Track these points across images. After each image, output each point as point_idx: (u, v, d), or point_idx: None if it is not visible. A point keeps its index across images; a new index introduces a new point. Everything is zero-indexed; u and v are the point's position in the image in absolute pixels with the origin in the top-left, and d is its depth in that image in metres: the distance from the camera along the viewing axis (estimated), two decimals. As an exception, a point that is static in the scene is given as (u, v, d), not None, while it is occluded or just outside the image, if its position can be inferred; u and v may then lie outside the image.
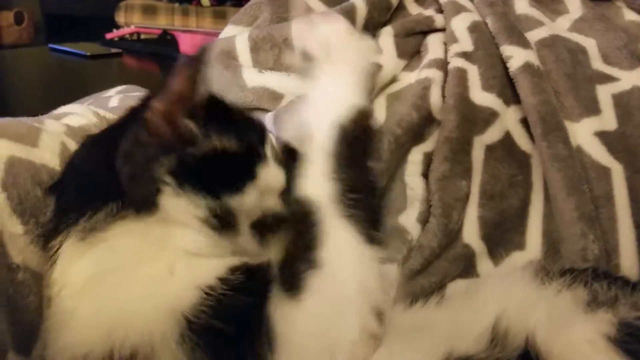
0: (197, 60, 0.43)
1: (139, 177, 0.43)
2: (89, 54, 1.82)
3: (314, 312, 0.40)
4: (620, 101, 0.62)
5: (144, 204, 0.43)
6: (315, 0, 0.76)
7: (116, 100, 0.75)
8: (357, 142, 0.46)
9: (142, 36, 2.16)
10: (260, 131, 0.51)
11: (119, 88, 0.86)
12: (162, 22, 2.72)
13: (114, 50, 1.90)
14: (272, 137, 0.54)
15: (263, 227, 0.48)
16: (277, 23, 0.76)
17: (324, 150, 0.45)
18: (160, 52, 1.88)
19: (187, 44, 1.81)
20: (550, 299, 0.46)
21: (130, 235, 0.42)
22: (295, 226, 0.44)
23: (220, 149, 0.45)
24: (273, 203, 0.48)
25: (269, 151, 0.50)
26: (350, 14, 0.70)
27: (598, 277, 0.47)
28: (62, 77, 1.75)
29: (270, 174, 0.48)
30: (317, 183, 0.45)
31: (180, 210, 0.43)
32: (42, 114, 0.63)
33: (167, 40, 1.94)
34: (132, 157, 0.43)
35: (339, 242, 0.42)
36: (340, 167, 0.45)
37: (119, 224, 0.42)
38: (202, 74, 0.43)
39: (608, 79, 0.64)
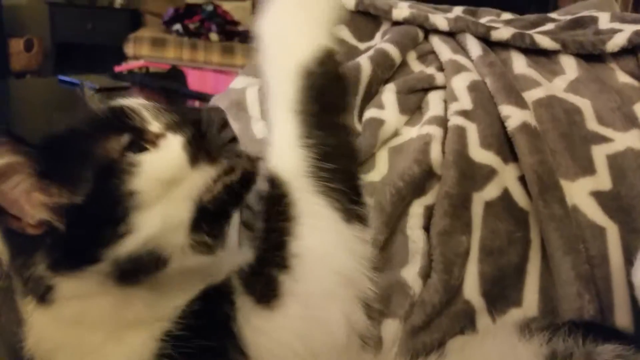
0: None
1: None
2: (97, 87, 1.86)
3: (291, 318, 0.38)
4: (615, 162, 0.65)
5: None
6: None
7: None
8: (326, 92, 0.40)
9: (151, 70, 2.21)
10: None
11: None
12: (170, 55, 2.79)
13: (122, 84, 1.95)
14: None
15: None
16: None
17: (287, 107, 0.39)
18: (168, 86, 1.92)
19: (194, 80, 1.86)
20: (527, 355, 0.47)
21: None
22: (266, 214, 0.40)
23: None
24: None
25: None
26: (356, 72, 0.73)
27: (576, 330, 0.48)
28: (70, 109, 1.78)
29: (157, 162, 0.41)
30: (284, 153, 0.40)
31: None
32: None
33: (176, 75, 1.99)
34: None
35: (315, 228, 0.39)
36: (309, 129, 0.39)
37: None
38: None
39: (603, 139, 0.67)
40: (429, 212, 0.67)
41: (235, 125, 0.76)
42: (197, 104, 1.75)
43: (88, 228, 0.39)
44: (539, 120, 0.68)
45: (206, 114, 0.45)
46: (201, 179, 0.42)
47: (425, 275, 0.62)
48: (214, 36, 2.91)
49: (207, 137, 0.43)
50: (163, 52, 2.86)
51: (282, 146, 0.39)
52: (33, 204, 0.39)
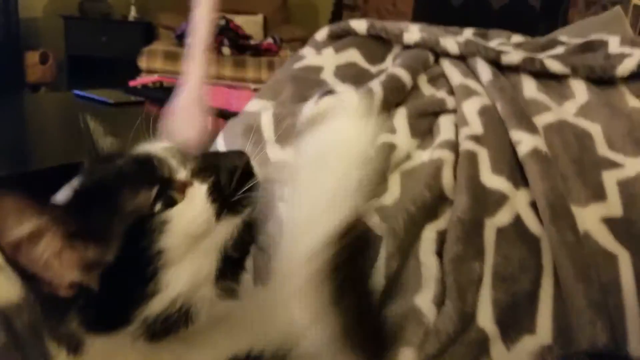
0: None
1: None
2: (112, 101, 1.89)
3: None
4: (625, 188, 0.65)
5: None
6: (339, 83, 0.81)
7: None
8: (350, 259, 0.39)
9: (165, 84, 2.23)
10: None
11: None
12: (182, 68, 2.82)
13: (137, 99, 1.97)
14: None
15: None
16: (299, 100, 0.81)
17: (311, 284, 0.38)
18: (181, 102, 1.95)
19: (208, 95, 1.88)
20: None
21: None
22: None
23: None
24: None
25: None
26: (368, 97, 0.75)
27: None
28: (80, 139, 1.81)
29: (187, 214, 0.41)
30: (316, 319, 0.39)
31: None
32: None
33: (189, 91, 2.01)
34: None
35: None
36: (341, 291, 0.38)
37: None
38: None
39: (613, 165, 0.67)
40: (442, 237, 0.67)
41: (250, 148, 0.78)
42: (209, 118, 1.76)
43: (119, 288, 0.39)
44: (549, 145, 0.68)
45: (230, 160, 0.45)
46: (226, 230, 0.43)
47: (439, 302, 0.62)
48: (226, 50, 2.94)
49: (230, 184, 0.44)
50: (176, 66, 2.89)
51: (314, 313, 0.39)
52: (64, 265, 0.38)
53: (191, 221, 0.41)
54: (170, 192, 0.41)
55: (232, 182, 0.44)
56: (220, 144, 0.83)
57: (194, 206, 0.42)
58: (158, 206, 0.40)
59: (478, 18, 3.29)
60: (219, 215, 0.42)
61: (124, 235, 0.39)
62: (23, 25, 3.69)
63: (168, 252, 0.39)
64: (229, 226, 0.43)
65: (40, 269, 0.38)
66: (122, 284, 0.39)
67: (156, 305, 0.39)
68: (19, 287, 0.44)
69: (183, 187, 0.42)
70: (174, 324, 0.39)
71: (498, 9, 3.26)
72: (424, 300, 0.62)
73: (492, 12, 3.28)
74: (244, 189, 0.44)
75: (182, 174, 0.44)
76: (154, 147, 0.45)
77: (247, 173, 0.44)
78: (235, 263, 0.44)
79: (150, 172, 0.42)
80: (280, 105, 0.82)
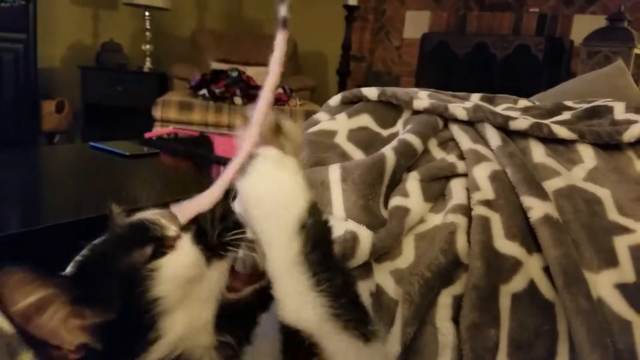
0: None
1: None
2: (128, 153, 1.94)
3: None
4: (637, 253, 0.66)
5: None
6: (352, 146, 0.84)
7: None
8: (322, 239, 0.42)
9: (180, 136, 2.29)
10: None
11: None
12: (196, 117, 2.90)
13: (152, 151, 2.02)
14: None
15: None
16: (315, 163, 0.84)
17: (291, 261, 0.40)
18: (196, 152, 1.99)
19: (220, 146, 1.93)
20: None
21: None
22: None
23: None
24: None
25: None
26: (380, 162, 0.77)
27: None
28: (102, 175, 1.85)
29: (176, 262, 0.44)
30: (298, 303, 0.40)
31: None
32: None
33: (203, 141, 2.06)
34: None
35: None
36: (317, 276, 0.40)
37: None
38: None
39: (624, 230, 0.68)
40: (458, 302, 0.68)
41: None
42: (222, 168, 1.80)
43: (122, 341, 0.41)
44: (560, 211, 0.70)
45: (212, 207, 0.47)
46: (217, 275, 0.45)
47: (456, 370, 0.63)
48: (237, 100, 3.02)
49: (214, 229, 0.45)
50: (189, 115, 2.97)
51: (294, 298, 0.40)
52: (70, 330, 0.41)
53: (180, 265, 0.44)
54: (163, 249, 0.44)
55: (215, 226, 0.46)
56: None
57: (181, 252, 0.44)
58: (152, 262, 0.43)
59: (482, 68, 3.37)
60: (208, 259, 0.45)
61: (123, 293, 0.42)
62: (41, 75, 3.81)
63: (164, 299, 0.42)
64: (219, 271, 0.45)
65: (49, 336, 0.40)
66: (126, 337, 0.41)
67: (157, 353, 0.41)
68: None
69: (174, 241, 0.45)
70: None
71: (501, 59, 3.34)
72: (441, 369, 0.63)
73: (495, 62, 3.36)
74: (229, 233, 0.45)
75: (172, 231, 0.46)
76: (146, 213, 0.49)
77: (225, 215, 0.46)
78: (238, 319, 0.45)
79: (143, 234, 0.45)
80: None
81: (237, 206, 0.45)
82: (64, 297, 0.41)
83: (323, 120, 0.91)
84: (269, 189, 0.43)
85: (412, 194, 0.78)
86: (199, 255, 0.45)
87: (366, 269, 0.75)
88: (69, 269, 0.45)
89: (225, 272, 0.45)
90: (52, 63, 4.09)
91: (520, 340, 0.64)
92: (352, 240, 0.71)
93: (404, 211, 0.76)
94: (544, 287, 0.67)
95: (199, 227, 0.46)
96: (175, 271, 0.43)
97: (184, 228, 0.46)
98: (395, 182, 0.80)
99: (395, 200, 0.78)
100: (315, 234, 0.41)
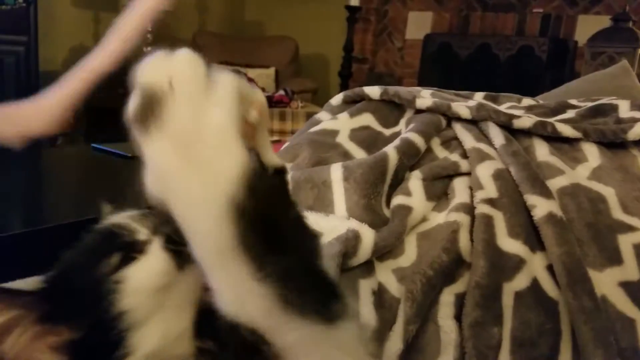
0: None
1: None
2: (130, 154, 1.93)
3: None
4: (641, 251, 0.66)
5: None
6: (354, 146, 0.84)
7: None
8: (265, 214, 0.32)
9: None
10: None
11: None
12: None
13: (154, 152, 2.01)
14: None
15: None
16: (316, 162, 0.84)
17: (225, 249, 0.31)
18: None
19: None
20: None
21: None
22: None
23: None
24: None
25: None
26: (383, 161, 0.77)
27: None
28: (103, 176, 1.85)
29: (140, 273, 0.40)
30: (241, 297, 0.32)
31: None
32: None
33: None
34: None
35: (306, 354, 0.33)
36: (260, 260, 0.32)
37: None
38: None
39: (628, 228, 0.68)
40: (460, 300, 0.68)
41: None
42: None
43: (92, 358, 0.39)
44: (564, 210, 0.70)
45: None
46: (192, 279, 0.40)
47: (459, 368, 0.63)
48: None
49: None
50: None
51: (232, 288, 0.33)
52: (41, 350, 0.38)
53: (148, 274, 0.39)
54: (133, 255, 0.40)
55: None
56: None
57: (151, 258, 0.40)
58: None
59: (485, 69, 3.37)
60: (180, 265, 0.40)
61: (89, 309, 0.39)
62: (43, 77, 3.82)
63: (131, 313, 0.38)
64: (197, 273, 0.36)
65: (17, 357, 0.38)
66: (92, 355, 0.39)
67: None
68: None
69: (144, 246, 0.41)
70: None
71: (505, 59, 3.34)
72: (443, 366, 0.62)
73: (498, 63, 3.36)
74: None
75: (143, 234, 0.42)
76: (116, 217, 0.45)
77: None
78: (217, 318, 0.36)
79: (111, 241, 0.42)
80: (296, 167, 0.85)
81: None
82: (31, 316, 0.39)
83: (325, 120, 0.91)
84: (181, 175, 0.31)
85: (414, 193, 0.77)
86: (170, 260, 0.40)
87: (368, 268, 0.75)
88: (38, 284, 0.42)
89: (202, 274, 0.34)
90: (53, 66, 4.10)
91: (523, 338, 0.63)
92: (354, 239, 0.71)
93: (406, 210, 0.75)
94: (548, 286, 0.67)
95: (171, 231, 0.39)
96: (143, 281, 0.39)
97: (156, 231, 0.42)
98: (398, 181, 0.80)
99: (398, 199, 0.78)
100: (256, 210, 0.31)
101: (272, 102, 3.08)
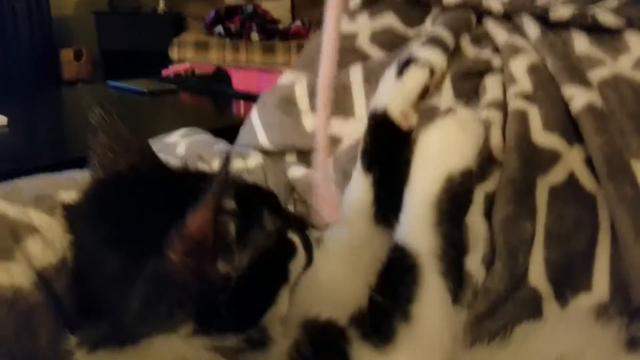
0: (219, 189, 0.32)
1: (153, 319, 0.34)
2: (146, 90, 1.91)
3: None
4: (689, 140, 0.61)
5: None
6: (375, 49, 0.79)
7: (183, 147, 0.78)
8: (460, 198, 0.47)
9: (197, 72, 2.25)
10: (274, 201, 0.42)
11: (181, 131, 0.86)
12: (213, 57, 2.85)
13: (170, 87, 1.99)
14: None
15: None
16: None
17: (429, 201, 0.46)
18: (214, 88, 1.96)
19: (239, 81, 1.88)
20: (606, 340, 0.46)
21: None
22: (384, 272, 0.44)
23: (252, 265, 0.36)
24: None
25: (293, 231, 0.41)
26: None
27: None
28: (121, 114, 1.84)
29: (299, 263, 0.40)
30: (420, 233, 0.45)
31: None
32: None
33: (221, 77, 2.02)
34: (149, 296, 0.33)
35: (434, 300, 0.42)
36: (443, 221, 0.45)
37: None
38: (224, 203, 0.33)
39: (674, 118, 0.63)
40: (490, 200, 0.65)
41: (285, 120, 0.76)
42: (242, 103, 1.77)
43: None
44: (605, 101, 0.65)
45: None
46: None
47: (488, 262, 0.60)
48: (254, 36, 2.95)
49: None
50: (206, 55, 2.92)
51: (419, 227, 0.45)
52: None
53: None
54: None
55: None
56: (255, 119, 0.82)
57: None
58: None
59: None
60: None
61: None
62: (55, 23, 3.78)
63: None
64: None
65: None
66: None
67: None
68: (58, 251, 0.43)
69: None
70: None
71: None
72: (472, 261, 0.60)
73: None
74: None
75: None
76: None
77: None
78: None
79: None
80: (314, 74, 0.81)
81: None
82: None
83: (341, 23, 0.86)
84: (443, 141, 0.49)
85: (442, 92, 0.73)
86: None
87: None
88: None
89: None
90: (65, 11, 4.04)
91: (559, 232, 0.61)
92: None
93: (434, 110, 0.72)
94: (585, 179, 0.63)
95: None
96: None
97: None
98: (425, 81, 0.75)
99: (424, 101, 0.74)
100: (459, 193, 0.46)
101: (288, 35, 2.99)
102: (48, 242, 0.44)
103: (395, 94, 0.58)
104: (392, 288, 0.43)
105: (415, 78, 0.58)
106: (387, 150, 0.56)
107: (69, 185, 0.50)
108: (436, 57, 0.55)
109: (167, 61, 3.04)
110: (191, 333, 0.33)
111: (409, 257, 0.44)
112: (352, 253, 0.51)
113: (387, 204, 0.54)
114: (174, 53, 3.01)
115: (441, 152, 0.48)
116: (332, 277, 0.48)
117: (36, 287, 0.41)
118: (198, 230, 0.31)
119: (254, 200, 0.39)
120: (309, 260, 0.41)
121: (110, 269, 0.34)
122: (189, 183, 0.37)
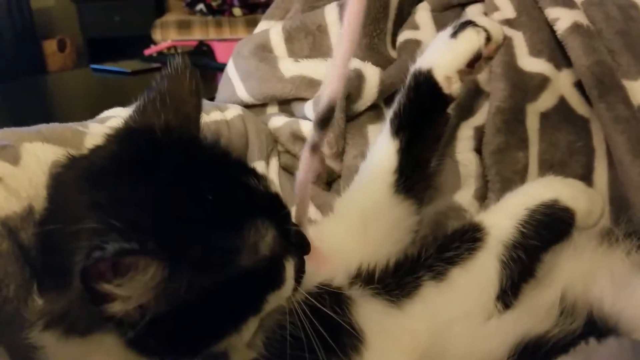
0: None
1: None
2: (129, 70, 1.87)
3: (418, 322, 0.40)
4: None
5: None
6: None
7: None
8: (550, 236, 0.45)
9: (179, 49, 2.20)
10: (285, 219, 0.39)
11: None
12: (197, 35, 2.79)
13: (154, 65, 1.95)
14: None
15: None
16: (309, 9, 0.75)
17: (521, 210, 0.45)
18: (198, 62, 1.91)
19: (223, 53, 1.84)
20: (614, 264, 0.44)
21: None
22: (451, 236, 0.44)
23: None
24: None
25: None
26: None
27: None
28: (106, 95, 1.81)
29: (283, 295, 0.38)
30: (501, 218, 0.45)
31: None
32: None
33: (204, 51, 1.97)
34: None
35: (481, 278, 0.42)
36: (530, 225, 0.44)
37: None
38: None
39: (665, 32, 0.60)
40: (479, 133, 0.62)
41: (262, 67, 0.73)
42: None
43: None
44: (591, 20, 0.62)
45: None
46: None
47: (481, 196, 0.58)
48: (237, 11, 2.88)
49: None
50: (190, 34, 2.86)
51: (501, 214, 0.45)
52: None
53: None
54: None
55: None
56: (232, 71, 0.79)
57: None
58: None
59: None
60: None
61: None
62: (36, 15, 3.69)
63: None
64: None
65: None
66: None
67: None
68: (23, 200, 0.42)
69: None
70: None
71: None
72: (464, 196, 0.58)
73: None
74: None
75: None
76: None
77: None
78: None
79: None
80: (289, 20, 0.77)
81: None
82: None
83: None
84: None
85: (423, 26, 0.70)
86: None
87: (377, 113, 0.69)
88: None
89: None
90: (45, 2, 3.96)
91: (553, 160, 0.58)
92: (357, 78, 0.65)
93: (414, 44, 0.68)
94: (576, 103, 0.60)
95: None
96: None
97: None
98: (403, 17, 0.72)
99: (404, 35, 0.70)
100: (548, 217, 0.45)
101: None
102: (12, 190, 0.42)
103: (444, 55, 0.52)
104: (447, 244, 0.43)
105: (469, 41, 0.50)
106: (422, 116, 0.51)
107: (34, 137, 0.47)
108: (496, 28, 0.49)
109: (151, 43, 2.98)
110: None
111: (478, 227, 0.44)
112: (363, 224, 0.49)
113: (411, 174, 0.50)
114: (156, 34, 2.95)
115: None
116: (339, 248, 0.47)
117: (0, 235, 0.39)
118: (98, 277, 0.28)
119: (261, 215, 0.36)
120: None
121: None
122: (207, 169, 0.36)
